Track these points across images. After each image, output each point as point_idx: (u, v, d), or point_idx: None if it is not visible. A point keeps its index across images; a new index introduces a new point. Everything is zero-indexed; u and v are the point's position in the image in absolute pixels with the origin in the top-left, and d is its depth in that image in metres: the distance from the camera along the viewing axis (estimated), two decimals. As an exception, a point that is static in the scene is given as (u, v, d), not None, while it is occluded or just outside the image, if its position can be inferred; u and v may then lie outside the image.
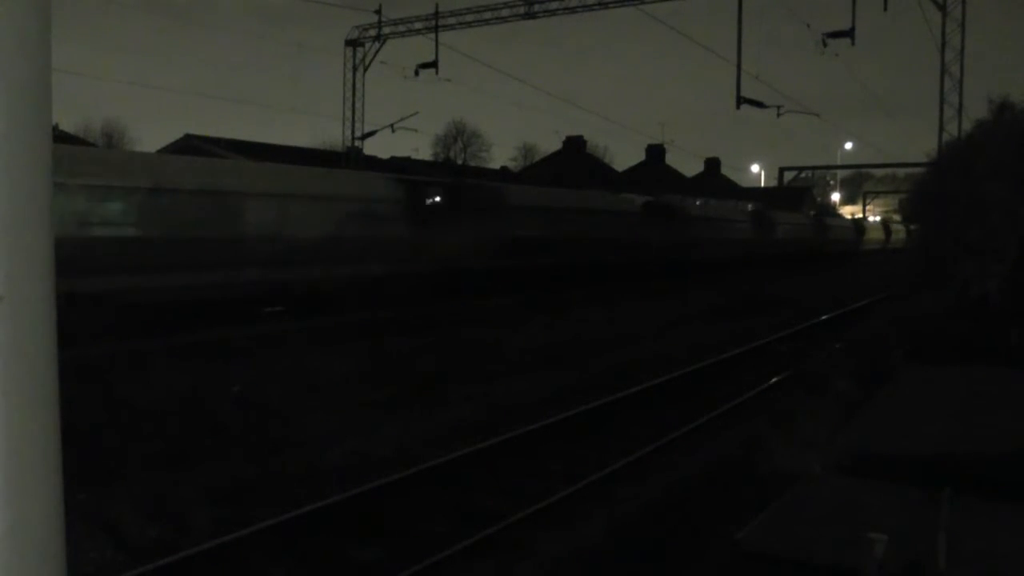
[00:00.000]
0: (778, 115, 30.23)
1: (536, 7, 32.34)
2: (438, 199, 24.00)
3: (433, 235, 22.88)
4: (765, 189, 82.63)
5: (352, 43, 36.24)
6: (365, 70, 36.35)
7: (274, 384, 11.90)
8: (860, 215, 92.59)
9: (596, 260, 30.53)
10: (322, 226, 19.35)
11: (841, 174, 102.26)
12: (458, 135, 72.30)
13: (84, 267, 13.88)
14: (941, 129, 27.94)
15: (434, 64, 32.55)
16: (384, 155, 45.29)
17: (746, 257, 41.90)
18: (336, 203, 20.21)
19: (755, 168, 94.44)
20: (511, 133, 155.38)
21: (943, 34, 28.20)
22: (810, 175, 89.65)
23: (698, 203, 44.49)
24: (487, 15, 33.24)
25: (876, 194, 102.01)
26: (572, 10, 32.01)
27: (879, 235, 71.71)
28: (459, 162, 64.03)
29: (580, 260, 29.62)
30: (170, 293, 15.87)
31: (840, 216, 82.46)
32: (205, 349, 13.99)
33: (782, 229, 48.49)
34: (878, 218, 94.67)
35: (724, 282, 32.91)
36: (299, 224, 18.79)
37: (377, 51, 35.84)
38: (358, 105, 36.61)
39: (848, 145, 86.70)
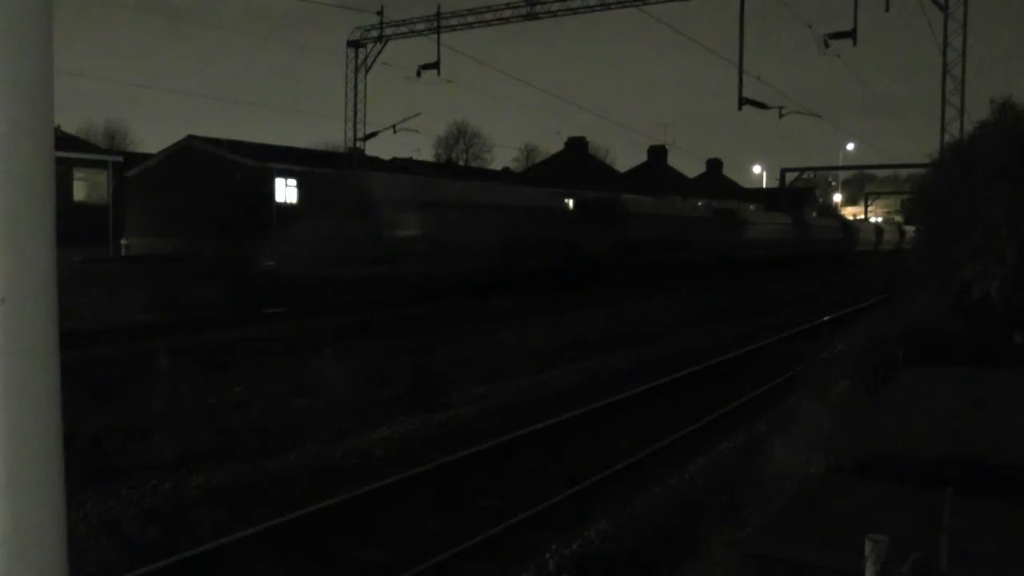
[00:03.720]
0: (780, 116, 30.32)
1: (537, 8, 32.36)
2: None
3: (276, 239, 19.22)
4: (767, 190, 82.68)
5: (354, 44, 36.28)
6: (367, 71, 36.40)
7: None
8: (862, 216, 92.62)
9: (506, 266, 25.70)
10: None
11: (843, 175, 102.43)
12: (460, 136, 72.57)
13: None
14: (943, 130, 27.89)
15: (436, 65, 32.59)
16: (386, 156, 45.41)
17: (711, 261, 38.55)
18: None
19: (757, 169, 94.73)
20: (513, 134, 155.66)
21: (945, 35, 28.17)
22: (812, 176, 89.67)
23: (645, 200, 41.35)
24: (488, 16, 33.29)
25: (878, 195, 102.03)
26: (573, 11, 32.03)
27: (870, 237, 71.31)
28: (461, 163, 64.11)
29: (481, 265, 24.86)
30: None
31: (832, 216, 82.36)
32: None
33: (756, 229, 45.05)
34: (880, 219, 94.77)
35: (677, 291, 28.58)
36: None
37: (379, 52, 35.90)
38: (360, 106, 36.66)
39: (850, 146, 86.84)
